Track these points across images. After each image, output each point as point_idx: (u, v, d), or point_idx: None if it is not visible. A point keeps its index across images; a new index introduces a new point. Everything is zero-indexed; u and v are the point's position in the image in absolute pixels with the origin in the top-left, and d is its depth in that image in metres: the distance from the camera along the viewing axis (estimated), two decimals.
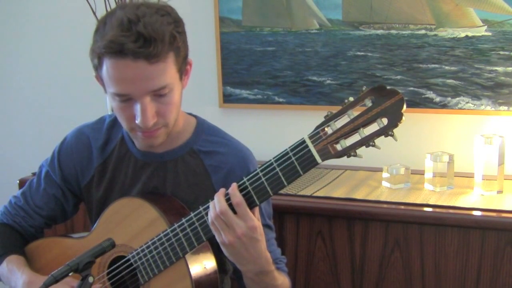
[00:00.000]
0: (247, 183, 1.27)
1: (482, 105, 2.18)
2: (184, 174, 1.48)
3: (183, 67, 1.39)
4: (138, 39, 1.27)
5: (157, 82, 1.32)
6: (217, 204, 1.26)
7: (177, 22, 1.36)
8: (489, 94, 2.16)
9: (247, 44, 2.49)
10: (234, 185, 1.26)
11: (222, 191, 1.28)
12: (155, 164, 1.50)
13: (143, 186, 1.51)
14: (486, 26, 2.15)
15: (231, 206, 1.25)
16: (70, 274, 1.21)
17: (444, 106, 2.23)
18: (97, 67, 1.35)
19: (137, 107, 1.33)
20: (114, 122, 1.58)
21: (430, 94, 2.25)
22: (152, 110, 1.34)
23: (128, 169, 1.53)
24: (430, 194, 1.96)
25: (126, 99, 1.34)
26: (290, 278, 1.52)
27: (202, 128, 1.53)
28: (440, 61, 2.22)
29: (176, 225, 1.35)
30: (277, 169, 1.22)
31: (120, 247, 1.42)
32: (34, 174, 1.73)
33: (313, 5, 2.38)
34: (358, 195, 1.98)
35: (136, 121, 1.35)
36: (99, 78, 1.39)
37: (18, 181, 2.38)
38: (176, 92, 1.37)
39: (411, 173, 2.09)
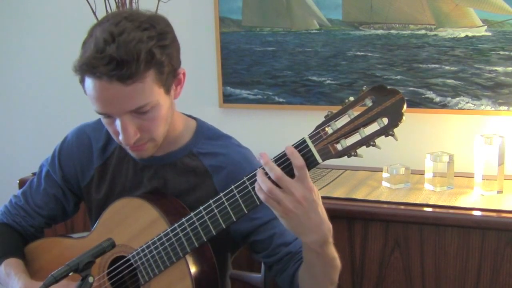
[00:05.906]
0: (247, 183, 1.26)
1: (482, 105, 2.18)
2: (184, 175, 1.48)
3: (169, 81, 1.35)
4: (110, 62, 1.25)
5: (135, 102, 1.30)
6: (271, 171, 1.18)
7: (161, 35, 1.31)
8: (489, 94, 2.16)
9: (247, 44, 2.49)
10: (293, 149, 1.19)
11: (269, 161, 1.19)
12: (155, 166, 1.50)
13: (144, 188, 1.51)
14: (486, 26, 2.15)
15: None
16: (70, 274, 1.21)
17: (444, 106, 2.23)
18: (81, 81, 1.35)
19: (118, 125, 1.33)
20: None
21: (430, 94, 2.25)
22: (133, 127, 1.33)
23: (128, 172, 1.53)
24: (430, 194, 1.96)
25: (107, 116, 1.35)
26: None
27: (202, 130, 1.52)
28: (440, 61, 2.22)
29: (176, 225, 1.35)
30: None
31: (120, 247, 1.42)
32: (34, 174, 1.73)
33: (313, 5, 2.38)
34: (358, 195, 1.98)
35: (119, 138, 1.35)
36: None
37: (18, 181, 2.38)
38: (161, 107, 1.35)
39: (411, 173, 2.10)
